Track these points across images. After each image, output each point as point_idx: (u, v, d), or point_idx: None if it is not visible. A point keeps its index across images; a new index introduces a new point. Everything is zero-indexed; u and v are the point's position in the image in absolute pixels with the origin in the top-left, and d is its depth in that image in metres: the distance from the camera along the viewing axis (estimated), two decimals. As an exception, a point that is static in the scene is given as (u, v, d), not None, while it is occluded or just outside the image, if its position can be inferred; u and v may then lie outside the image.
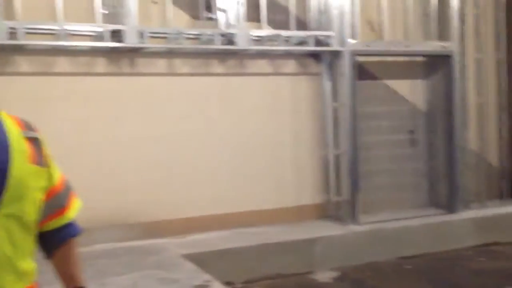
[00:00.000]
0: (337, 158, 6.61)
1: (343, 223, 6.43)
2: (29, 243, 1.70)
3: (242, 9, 5.91)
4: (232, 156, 6.21)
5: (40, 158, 1.74)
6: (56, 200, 1.84)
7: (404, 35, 6.98)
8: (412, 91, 7.20)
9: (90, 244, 5.32)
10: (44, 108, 5.16)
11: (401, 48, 6.77)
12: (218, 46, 5.82)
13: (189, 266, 4.97)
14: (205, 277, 4.67)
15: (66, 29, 5.16)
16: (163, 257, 5.22)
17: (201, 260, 5.14)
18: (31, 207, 1.70)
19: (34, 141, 1.74)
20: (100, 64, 5.62)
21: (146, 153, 5.80)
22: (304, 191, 6.61)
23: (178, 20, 5.90)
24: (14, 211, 1.65)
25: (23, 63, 5.23)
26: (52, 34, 5.17)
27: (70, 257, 1.88)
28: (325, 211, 6.69)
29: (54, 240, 1.86)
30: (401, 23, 7.01)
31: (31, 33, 5.11)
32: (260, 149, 6.36)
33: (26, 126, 1.77)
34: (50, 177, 1.79)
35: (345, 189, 6.52)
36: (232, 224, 6.13)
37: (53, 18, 5.23)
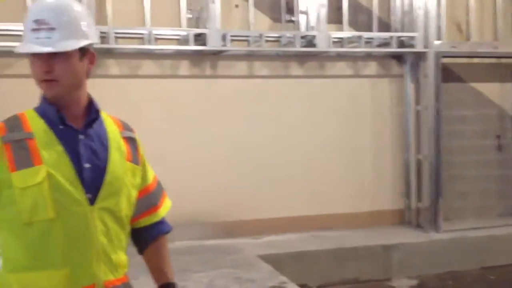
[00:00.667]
0: (418, 162, 6.44)
1: (423, 230, 6.26)
2: (122, 237, 1.83)
3: (324, 11, 5.88)
4: (310, 159, 6.21)
5: (136, 157, 1.89)
6: (149, 198, 1.96)
7: (493, 36, 6.68)
8: (500, 94, 6.88)
9: (171, 241, 5.48)
10: (131, 109, 5.38)
11: (489, 50, 6.48)
12: (298, 48, 5.83)
13: (265, 266, 5.02)
14: (280, 278, 4.71)
15: (153, 33, 5.35)
16: (240, 256, 5.31)
17: (277, 261, 5.18)
18: (126, 203, 1.84)
19: (131, 141, 1.90)
20: (184, 67, 5.80)
21: (226, 154, 5.92)
22: (383, 195, 6.49)
23: (260, 23, 5.97)
24: (110, 205, 1.78)
25: (112, 66, 5.49)
26: (140, 38, 5.39)
27: (161, 253, 1.99)
28: (405, 217, 6.54)
29: (147, 237, 1.97)
30: (489, 24, 6.71)
31: (121, 37, 5.36)
32: (339, 152, 6.32)
33: (125, 127, 1.91)
34: (144, 175, 1.93)
35: (426, 195, 6.34)
36: (308, 227, 6.13)
37: (141, 23, 5.45)
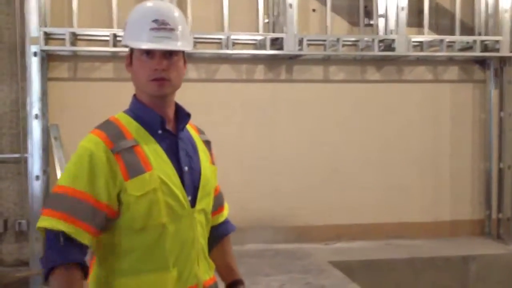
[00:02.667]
0: (500, 172, 6.16)
1: (503, 242, 5.99)
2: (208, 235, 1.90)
3: (403, 14, 5.75)
4: (387, 165, 6.09)
5: (213, 159, 1.92)
6: (219, 198, 2.04)
7: None
8: None
9: (241, 243, 5.59)
10: (208, 113, 5.49)
11: None
12: (376, 52, 5.73)
13: (336, 273, 4.98)
14: (352, 286, 4.65)
15: (231, 38, 5.43)
16: (311, 262, 5.29)
17: (348, 268, 5.12)
18: (211, 203, 1.92)
19: (208, 144, 1.96)
20: (260, 71, 5.85)
21: (299, 158, 5.91)
22: (462, 205, 6.27)
23: (337, 27, 5.92)
24: (205, 207, 1.87)
25: (191, 70, 5.62)
26: (218, 43, 5.49)
27: (229, 251, 2.05)
28: (484, 228, 6.28)
29: (215, 235, 2.02)
30: None
31: (199, 42, 5.48)
32: (418, 159, 6.15)
33: (199, 130, 1.98)
34: (216, 176, 1.99)
35: (508, 206, 6.05)
36: (382, 235, 6.02)
37: (219, 28, 5.54)
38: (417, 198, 6.17)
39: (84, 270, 1.66)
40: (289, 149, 5.90)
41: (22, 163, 5.22)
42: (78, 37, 5.40)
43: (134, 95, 1.84)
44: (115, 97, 5.43)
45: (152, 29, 1.74)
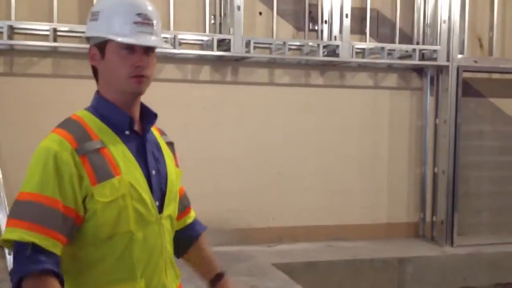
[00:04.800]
0: (435, 176, 6.42)
1: (437, 244, 6.24)
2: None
3: (347, 21, 5.88)
4: (327, 168, 6.20)
5: (177, 161, 1.88)
6: (184, 200, 1.99)
7: (514, 52, 6.67)
8: (520, 110, 6.85)
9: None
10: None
11: (511, 66, 6.48)
12: (320, 57, 5.82)
13: (280, 275, 5.01)
14: (296, 287, 4.70)
15: (178, 38, 5.35)
16: (254, 264, 5.29)
17: (292, 270, 5.17)
18: (177, 208, 1.85)
19: (171, 146, 1.89)
20: (205, 72, 5.80)
21: (243, 160, 5.91)
22: (398, 208, 6.47)
23: (283, 31, 5.97)
24: (171, 213, 1.79)
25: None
26: (164, 42, 5.38)
27: (207, 248, 2.02)
28: (419, 231, 6.52)
29: (188, 238, 1.98)
30: (510, 40, 6.70)
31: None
32: (356, 162, 6.30)
33: (161, 131, 1.91)
34: (180, 180, 1.93)
35: (442, 208, 6.31)
36: (321, 237, 6.11)
37: (166, 27, 5.44)
38: (356, 201, 6.31)
39: (60, 280, 1.54)
40: (233, 150, 5.88)
41: (-48, 162, 4.91)
42: (16, 31, 5.15)
43: (97, 92, 1.73)
44: (54, 94, 5.26)
45: (136, 22, 1.66)
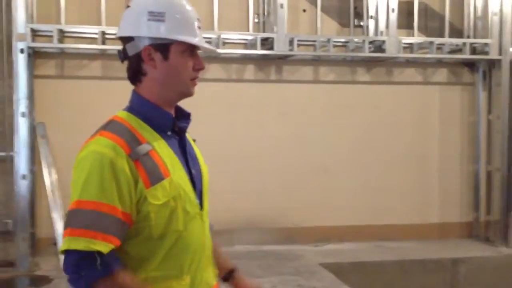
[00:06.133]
0: (489, 174, 6.19)
1: (492, 245, 6.01)
2: None
3: (394, 16, 5.75)
4: (374, 166, 6.08)
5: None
6: None
7: None
8: None
9: (229, 244, 5.53)
10: (196, 112, 5.42)
11: None
12: (366, 53, 5.72)
13: (327, 275, 4.94)
14: (343, 287, 4.63)
15: (222, 37, 5.38)
16: (301, 263, 5.25)
17: (339, 270, 5.09)
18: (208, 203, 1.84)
19: (195, 142, 1.89)
20: (250, 71, 5.81)
21: (288, 158, 5.88)
22: (450, 208, 6.28)
23: (327, 28, 5.91)
24: (208, 209, 1.81)
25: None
26: (208, 42, 5.42)
27: (218, 245, 1.96)
28: (472, 231, 6.30)
29: None
30: None
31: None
32: (406, 161, 6.15)
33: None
34: None
35: (496, 208, 6.07)
36: (371, 237, 6.00)
37: (210, 27, 5.49)
38: (405, 200, 6.16)
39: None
40: (278, 149, 5.86)
41: (8, 162, 5.09)
42: (66, 34, 5.31)
43: (136, 93, 1.71)
44: (103, 95, 5.37)
45: (197, 27, 1.70)
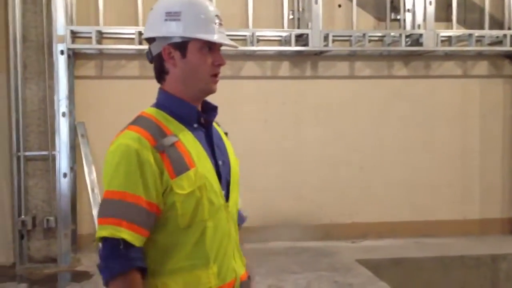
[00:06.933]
0: (532, 169, 6.04)
1: (536, 241, 5.87)
2: None
3: (431, 9, 5.64)
4: (411, 162, 5.99)
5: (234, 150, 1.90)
6: None
7: None
8: None
9: (266, 241, 5.55)
10: (232, 109, 5.47)
11: None
12: (403, 47, 5.64)
13: (364, 271, 4.91)
14: (380, 284, 4.59)
15: (256, 35, 5.40)
16: (337, 260, 5.23)
17: (376, 266, 5.05)
18: (238, 194, 1.88)
19: (227, 135, 1.92)
20: (285, 68, 5.80)
21: (325, 155, 5.86)
22: (492, 203, 6.14)
23: (363, 23, 5.85)
24: (235, 200, 1.84)
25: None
26: (243, 40, 5.45)
27: (242, 242, 1.98)
28: (516, 227, 6.16)
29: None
30: None
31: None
32: (445, 156, 6.04)
33: (217, 122, 1.93)
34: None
35: (540, 203, 5.93)
36: (409, 233, 5.92)
37: (244, 24, 5.50)
38: (445, 196, 6.06)
39: (143, 272, 1.64)
40: (314, 146, 5.85)
41: (50, 161, 5.26)
42: (104, 35, 5.43)
43: (163, 89, 1.78)
44: (141, 95, 5.44)
45: (217, 24, 1.73)
